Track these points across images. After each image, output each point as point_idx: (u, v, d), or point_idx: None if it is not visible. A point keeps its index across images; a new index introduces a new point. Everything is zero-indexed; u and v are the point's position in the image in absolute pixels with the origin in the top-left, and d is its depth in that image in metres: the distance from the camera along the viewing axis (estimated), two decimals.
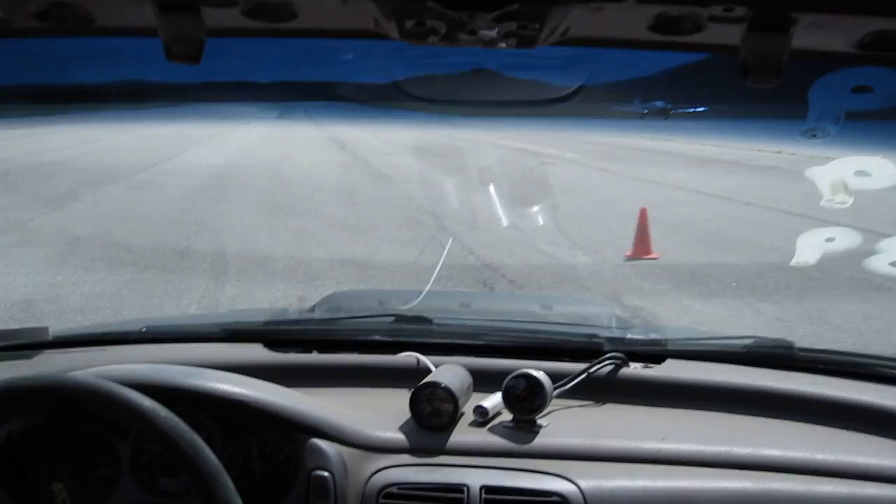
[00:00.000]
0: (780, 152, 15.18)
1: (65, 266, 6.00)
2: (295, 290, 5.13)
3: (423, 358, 1.51)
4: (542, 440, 1.29)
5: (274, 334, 1.65)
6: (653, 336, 1.77)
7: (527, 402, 1.32)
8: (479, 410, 1.34)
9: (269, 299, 4.95)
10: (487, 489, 1.16)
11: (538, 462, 1.22)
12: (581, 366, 1.49)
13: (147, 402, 0.95)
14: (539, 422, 1.33)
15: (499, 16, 0.72)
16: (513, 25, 0.75)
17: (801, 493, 1.19)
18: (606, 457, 1.25)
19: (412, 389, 1.31)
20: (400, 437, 1.27)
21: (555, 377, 1.38)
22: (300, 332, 1.67)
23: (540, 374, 1.33)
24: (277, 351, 1.61)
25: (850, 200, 1.07)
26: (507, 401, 1.33)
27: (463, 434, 1.29)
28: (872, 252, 1.16)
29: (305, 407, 1.25)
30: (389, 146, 16.53)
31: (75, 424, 1.23)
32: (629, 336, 1.74)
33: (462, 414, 1.33)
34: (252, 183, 11.35)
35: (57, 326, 1.68)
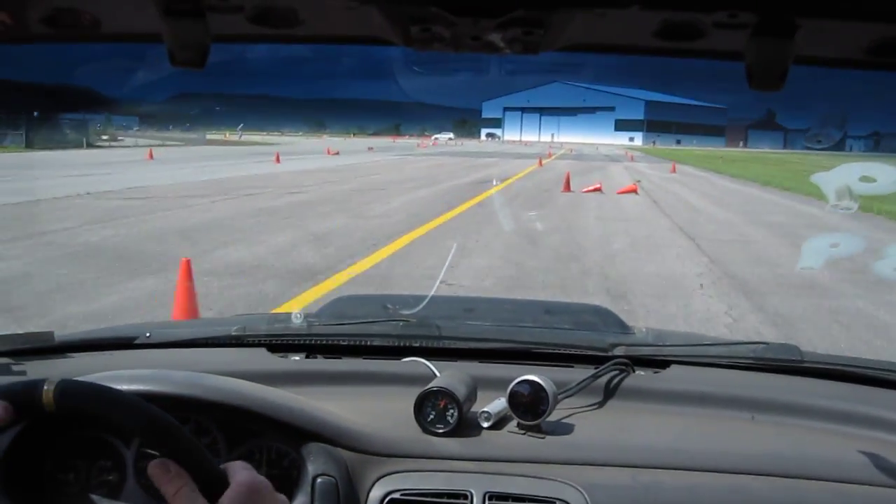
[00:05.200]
0: None
1: None
2: None
3: (427, 363, 1.51)
4: (546, 446, 1.29)
5: (278, 339, 1.66)
6: (658, 342, 1.77)
7: (532, 407, 1.32)
8: (484, 416, 1.33)
9: None
10: (491, 496, 1.16)
11: (543, 468, 1.22)
12: (586, 371, 1.49)
13: (147, 407, 0.95)
14: (544, 428, 1.32)
15: (503, 22, 0.73)
16: (517, 31, 0.75)
17: (809, 497, 1.18)
18: (612, 463, 1.24)
19: (416, 394, 1.31)
20: (404, 442, 1.27)
21: (560, 383, 1.38)
22: (304, 337, 1.67)
23: (545, 380, 1.32)
24: (282, 356, 1.61)
25: (855, 206, 1.07)
26: (512, 406, 1.33)
27: (467, 440, 1.29)
28: (878, 257, 1.15)
29: (309, 412, 1.25)
30: None
31: (80, 430, 1.23)
32: (634, 342, 1.73)
33: (466, 420, 1.32)
34: None
35: (61, 331, 1.69)
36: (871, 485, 1.20)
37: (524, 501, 1.16)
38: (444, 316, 1.82)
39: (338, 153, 36.79)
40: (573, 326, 1.92)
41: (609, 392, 1.48)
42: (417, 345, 1.59)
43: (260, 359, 1.60)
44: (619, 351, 1.57)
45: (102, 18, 0.77)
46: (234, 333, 1.68)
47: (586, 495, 1.16)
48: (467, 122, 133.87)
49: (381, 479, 1.19)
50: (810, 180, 1.09)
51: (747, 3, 0.68)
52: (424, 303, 1.80)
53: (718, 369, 1.59)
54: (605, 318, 1.95)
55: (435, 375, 1.44)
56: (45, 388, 0.87)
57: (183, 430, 0.86)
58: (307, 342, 1.65)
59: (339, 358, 1.62)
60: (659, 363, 1.57)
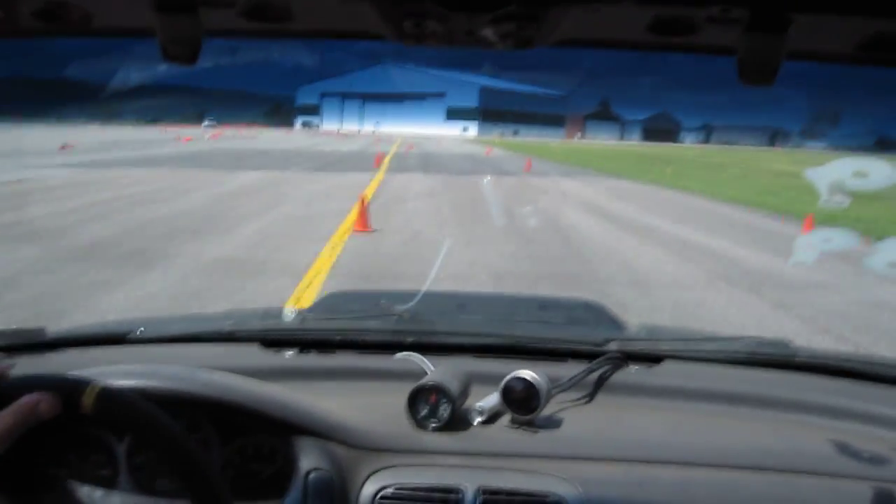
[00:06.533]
0: None
1: None
2: None
3: (420, 358, 1.51)
4: (539, 441, 1.29)
5: (271, 334, 1.65)
6: (651, 337, 1.78)
7: (525, 402, 1.32)
8: (477, 411, 1.33)
9: None
10: (484, 490, 1.16)
11: (536, 463, 1.22)
12: (579, 366, 1.49)
13: (141, 404, 0.95)
14: (537, 423, 1.33)
15: (497, 17, 0.73)
16: (511, 27, 0.75)
17: (802, 492, 1.19)
18: (604, 457, 1.25)
19: (409, 390, 1.31)
20: (397, 437, 1.27)
21: (553, 378, 1.38)
22: (297, 333, 1.67)
23: (538, 375, 1.33)
24: (275, 351, 1.61)
25: (848, 202, 1.07)
26: (506, 401, 1.33)
27: (460, 435, 1.29)
28: (871, 253, 1.16)
29: (302, 407, 1.25)
30: None
31: (72, 425, 1.22)
32: (627, 337, 1.74)
33: (459, 415, 1.33)
34: None
35: (54, 327, 1.68)
36: (862, 479, 1.20)
37: (517, 496, 1.16)
38: (437, 311, 1.82)
39: None
40: (567, 321, 1.92)
41: (602, 387, 1.48)
42: (410, 340, 1.59)
43: (253, 354, 1.59)
44: (612, 346, 1.57)
45: (93, 13, 0.77)
46: (226, 329, 1.68)
47: (579, 490, 1.16)
48: (282, 108, 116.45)
49: (374, 475, 1.19)
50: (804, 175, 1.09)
51: None
52: (418, 298, 1.80)
53: (712, 364, 1.59)
54: (599, 314, 1.95)
55: (428, 371, 1.44)
56: (89, 388, 0.87)
57: (213, 470, 0.86)
58: (300, 337, 1.65)
59: (332, 353, 1.61)
60: (652, 358, 1.58)
